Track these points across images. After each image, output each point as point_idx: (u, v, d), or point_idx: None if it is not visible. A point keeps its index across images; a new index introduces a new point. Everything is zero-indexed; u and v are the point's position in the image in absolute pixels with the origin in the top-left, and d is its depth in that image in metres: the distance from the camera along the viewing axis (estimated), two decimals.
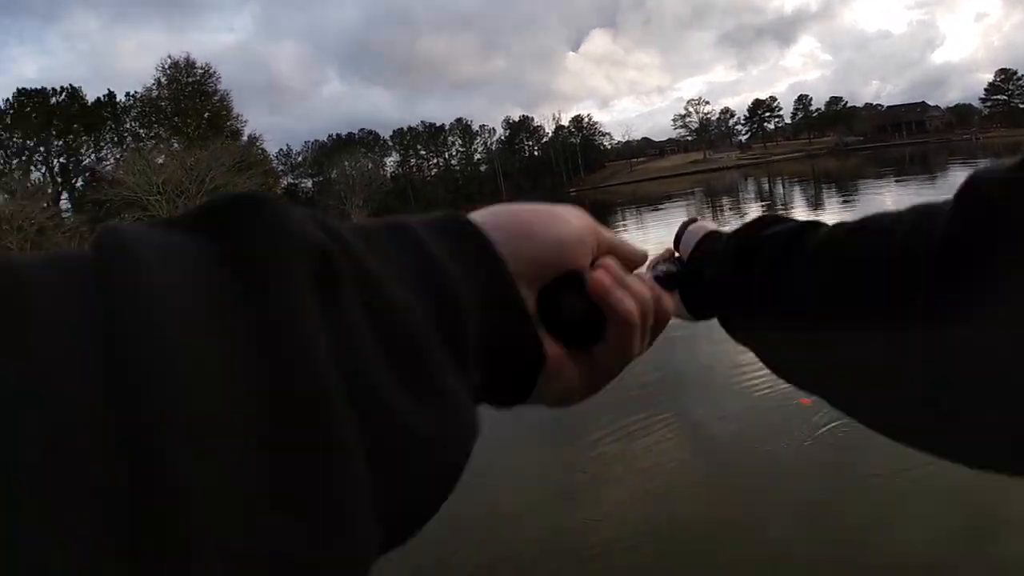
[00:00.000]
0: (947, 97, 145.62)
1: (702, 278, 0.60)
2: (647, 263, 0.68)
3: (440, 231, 0.36)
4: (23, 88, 61.65)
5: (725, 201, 39.36)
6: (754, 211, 29.43)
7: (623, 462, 5.36)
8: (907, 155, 71.26)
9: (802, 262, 0.47)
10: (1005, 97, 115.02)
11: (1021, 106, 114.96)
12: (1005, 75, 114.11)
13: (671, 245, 0.84)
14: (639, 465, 5.21)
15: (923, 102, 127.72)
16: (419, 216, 0.37)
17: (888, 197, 27.18)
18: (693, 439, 5.67)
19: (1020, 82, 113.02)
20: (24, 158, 59.97)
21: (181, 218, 0.26)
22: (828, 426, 4.86)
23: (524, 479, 5.60)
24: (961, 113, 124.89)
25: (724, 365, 7.08)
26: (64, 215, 45.46)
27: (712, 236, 0.73)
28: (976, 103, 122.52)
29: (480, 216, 0.42)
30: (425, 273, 0.33)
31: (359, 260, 0.29)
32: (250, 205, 0.26)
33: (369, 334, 0.27)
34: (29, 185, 40.54)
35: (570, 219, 0.45)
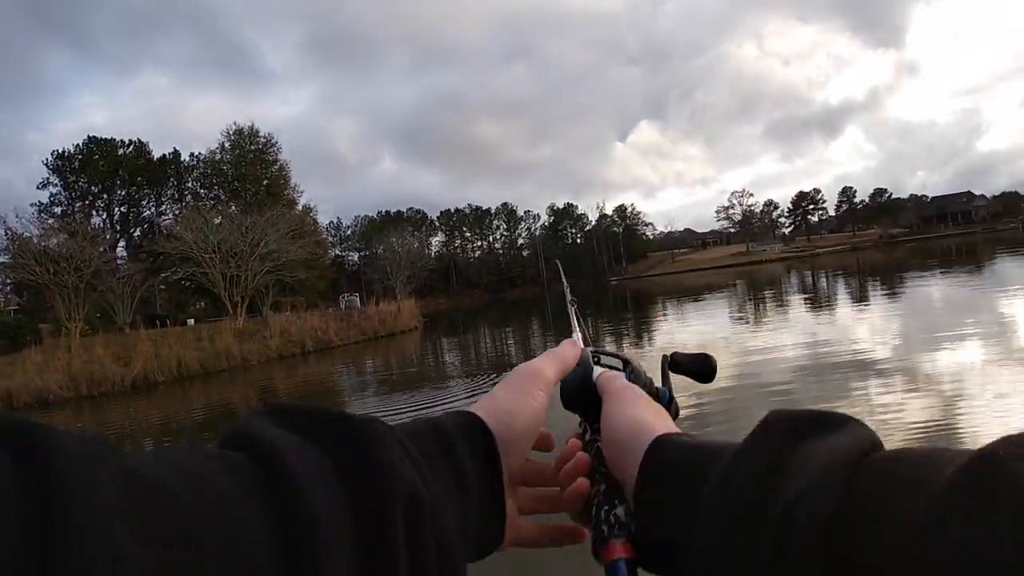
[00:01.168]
0: (995, 184, 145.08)
1: (668, 540, 0.43)
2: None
3: (468, 439, 0.49)
4: (94, 136, 64.08)
5: (767, 293, 39.24)
6: (797, 304, 29.43)
7: None
8: (953, 246, 70.88)
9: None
10: None
11: None
12: None
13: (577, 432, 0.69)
14: None
15: (968, 192, 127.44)
16: (450, 418, 0.52)
17: (935, 290, 26.99)
18: None
19: None
20: (87, 202, 62.02)
21: (312, 431, 0.39)
22: None
23: None
24: (1007, 201, 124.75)
25: None
26: (118, 262, 46.63)
27: (669, 448, 0.48)
28: (1022, 190, 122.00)
29: (483, 410, 0.54)
30: (461, 489, 0.44)
31: (433, 503, 0.38)
32: (370, 436, 0.38)
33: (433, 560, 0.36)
34: (89, 229, 41.72)
35: (533, 401, 0.56)
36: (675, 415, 0.66)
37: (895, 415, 8.65)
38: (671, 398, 0.70)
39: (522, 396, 0.55)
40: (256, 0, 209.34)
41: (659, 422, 0.52)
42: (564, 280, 1.43)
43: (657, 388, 0.72)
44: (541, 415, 0.55)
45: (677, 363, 0.79)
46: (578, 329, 0.94)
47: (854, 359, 13.00)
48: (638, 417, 0.53)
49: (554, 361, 0.71)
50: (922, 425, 8.07)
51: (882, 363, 12.26)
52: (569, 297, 1.10)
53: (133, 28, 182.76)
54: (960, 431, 7.68)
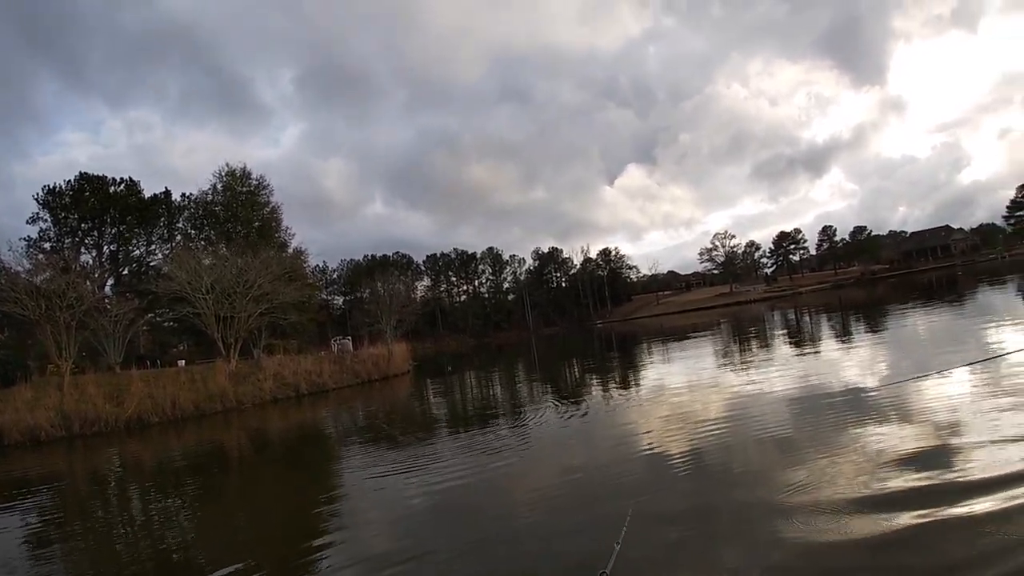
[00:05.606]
0: (975, 217, 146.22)
1: None
2: None
3: None
4: (85, 172, 63.59)
5: (752, 332, 39.75)
6: (782, 342, 29.75)
7: None
8: (933, 279, 72.03)
9: None
10: None
11: None
12: None
13: None
14: None
15: (947, 226, 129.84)
16: None
17: (919, 323, 27.41)
18: None
19: None
20: (77, 239, 60.92)
21: None
22: None
23: None
24: (985, 233, 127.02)
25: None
26: (105, 300, 45.65)
27: None
28: (1000, 222, 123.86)
29: None
30: None
31: None
32: None
33: None
34: (76, 267, 41.05)
35: None
36: None
37: (890, 446, 8.84)
38: None
39: None
40: (253, 33, 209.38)
41: None
42: None
43: None
44: None
45: None
46: None
47: (844, 395, 13.31)
48: None
49: None
50: (915, 455, 8.29)
51: (871, 399, 12.57)
52: None
53: (126, 59, 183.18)
54: (954, 463, 7.85)
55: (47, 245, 57.78)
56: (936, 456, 8.16)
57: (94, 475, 17.60)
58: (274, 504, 11.73)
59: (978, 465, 7.60)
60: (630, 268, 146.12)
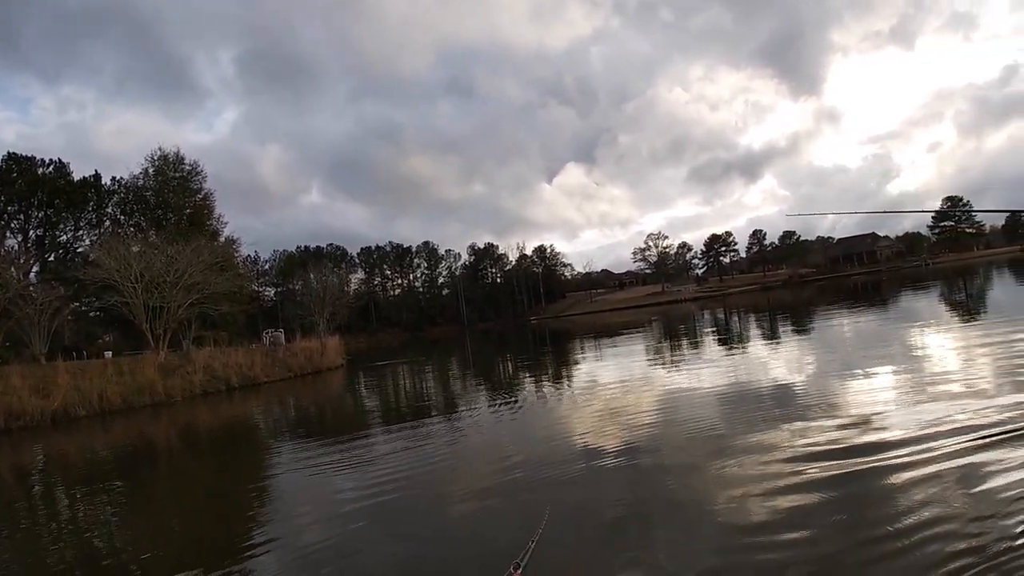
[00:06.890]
0: (901, 225, 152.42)
1: None
2: None
3: None
4: (13, 152, 61.40)
5: (682, 330, 41.10)
6: (710, 340, 30.97)
7: None
8: (859, 284, 75.15)
9: None
10: (952, 223, 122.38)
11: (968, 230, 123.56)
12: (951, 202, 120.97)
13: None
14: None
15: (873, 233, 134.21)
16: None
17: (846, 324, 28.88)
18: None
19: (966, 207, 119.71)
20: (2, 223, 58.56)
21: None
22: None
23: None
24: (911, 241, 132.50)
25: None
26: (29, 288, 44.44)
27: None
28: (924, 231, 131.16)
29: None
30: None
31: None
32: None
33: None
34: (1, 252, 39.48)
35: None
36: None
37: (814, 439, 9.50)
38: None
39: None
40: (196, 10, 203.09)
41: None
42: None
43: None
44: None
45: None
46: None
47: (771, 390, 14.20)
48: None
49: None
50: (841, 449, 8.91)
51: (796, 393, 13.52)
52: None
53: (64, 34, 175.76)
54: (875, 444, 8.73)
55: None
56: (858, 438, 9.06)
57: (19, 472, 17.42)
58: (204, 503, 11.66)
59: (897, 445, 8.48)
60: (565, 266, 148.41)
